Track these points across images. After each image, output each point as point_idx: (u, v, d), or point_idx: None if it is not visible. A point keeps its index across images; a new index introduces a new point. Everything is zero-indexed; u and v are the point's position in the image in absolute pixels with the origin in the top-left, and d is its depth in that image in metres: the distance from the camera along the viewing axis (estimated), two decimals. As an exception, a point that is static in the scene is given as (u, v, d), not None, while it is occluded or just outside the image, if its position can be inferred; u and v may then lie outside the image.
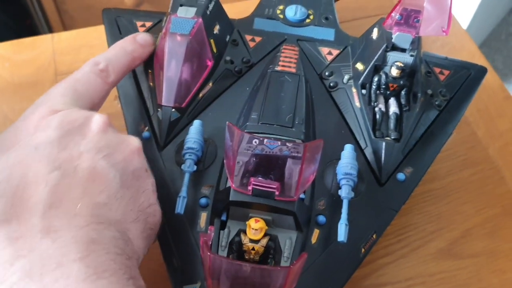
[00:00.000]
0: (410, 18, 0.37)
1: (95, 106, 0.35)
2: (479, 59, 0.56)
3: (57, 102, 0.32)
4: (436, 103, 0.41)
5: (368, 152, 0.37)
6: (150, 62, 0.39)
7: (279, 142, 0.32)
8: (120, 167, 0.29)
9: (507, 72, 1.52)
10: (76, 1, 1.13)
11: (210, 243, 0.27)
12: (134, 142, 0.31)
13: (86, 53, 0.53)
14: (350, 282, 0.40)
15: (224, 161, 0.31)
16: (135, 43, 0.38)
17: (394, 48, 0.39)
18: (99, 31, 0.54)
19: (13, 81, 0.51)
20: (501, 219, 0.46)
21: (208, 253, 0.25)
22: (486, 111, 0.53)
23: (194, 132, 0.35)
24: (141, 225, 0.29)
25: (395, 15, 0.37)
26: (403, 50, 0.39)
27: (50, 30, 1.19)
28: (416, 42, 0.38)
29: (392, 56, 0.38)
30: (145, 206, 0.30)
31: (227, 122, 0.30)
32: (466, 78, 0.43)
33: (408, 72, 0.39)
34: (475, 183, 0.48)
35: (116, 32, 0.42)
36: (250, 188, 0.30)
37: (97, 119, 0.31)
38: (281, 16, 0.45)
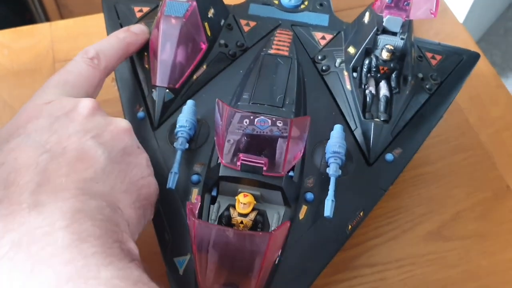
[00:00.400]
0: (400, 2, 0.37)
1: (89, 95, 0.35)
2: (472, 47, 0.56)
3: (49, 93, 0.33)
4: (427, 86, 0.40)
5: (358, 133, 0.37)
6: (146, 45, 0.39)
7: (270, 122, 0.32)
8: (109, 145, 0.30)
9: (505, 66, 1.51)
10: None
11: (197, 212, 0.27)
12: (123, 123, 0.32)
13: (83, 41, 0.53)
14: (342, 263, 0.40)
15: (214, 138, 0.31)
16: (128, 31, 0.39)
17: (385, 31, 0.38)
18: (96, 19, 0.54)
19: (12, 68, 0.51)
20: (491, 203, 0.45)
21: (193, 219, 0.25)
22: (478, 99, 0.52)
23: (186, 112, 0.35)
24: (132, 196, 0.29)
25: (385, -1, 0.37)
26: (394, 34, 0.38)
27: (42, 7, 1.18)
28: (407, 26, 0.38)
29: (382, 39, 0.38)
30: (137, 178, 0.30)
31: (217, 99, 0.30)
32: (458, 63, 0.43)
33: (399, 55, 0.38)
34: (466, 167, 0.47)
35: (115, 17, 0.42)
36: (239, 163, 0.30)
37: (86, 104, 0.31)
38: (276, 2, 0.45)
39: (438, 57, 0.42)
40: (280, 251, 0.30)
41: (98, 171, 0.28)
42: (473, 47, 0.57)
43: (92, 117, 0.31)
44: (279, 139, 0.31)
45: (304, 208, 0.33)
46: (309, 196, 0.34)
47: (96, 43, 0.37)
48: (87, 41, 0.52)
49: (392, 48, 0.37)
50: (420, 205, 0.45)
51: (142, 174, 0.31)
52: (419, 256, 0.42)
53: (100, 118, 0.31)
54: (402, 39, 0.38)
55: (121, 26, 0.42)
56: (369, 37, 0.38)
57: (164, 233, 0.33)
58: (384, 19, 0.38)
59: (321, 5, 0.45)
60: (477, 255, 0.42)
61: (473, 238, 0.43)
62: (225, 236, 0.25)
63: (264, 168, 0.30)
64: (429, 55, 0.42)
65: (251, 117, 0.32)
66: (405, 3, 0.37)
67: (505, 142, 0.49)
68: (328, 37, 0.42)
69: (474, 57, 0.44)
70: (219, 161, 0.32)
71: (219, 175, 0.31)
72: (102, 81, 0.36)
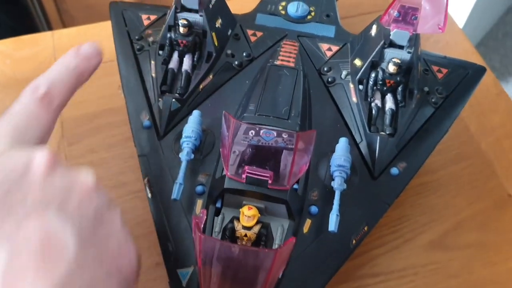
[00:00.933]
0: (407, 15, 0.36)
1: (42, 140, 0.29)
2: (473, 56, 0.55)
3: None
4: (433, 100, 0.39)
5: (363, 146, 0.36)
6: (153, 52, 0.38)
7: (275, 133, 0.31)
8: (77, 216, 0.24)
9: (504, 71, 1.49)
10: (76, 0, 1.12)
11: (202, 225, 0.26)
12: (87, 178, 0.26)
13: None
14: (345, 272, 0.39)
15: (220, 149, 0.30)
16: (78, 56, 0.32)
17: (392, 44, 0.37)
18: (98, 28, 0.53)
19: (15, 76, 0.50)
20: (492, 212, 0.44)
21: (199, 234, 0.24)
22: (479, 107, 0.51)
23: (192, 122, 0.34)
24: (115, 279, 0.24)
25: (393, 12, 0.35)
26: (400, 47, 0.37)
27: (50, 29, 1.18)
28: (414, 39, 0.37)
29: (389, 52, 0.37)
30: (115, 250, 0.25)
31: (223, 111, 0.29)
32: (464, 77, 0.42)
33: (405, 69, 0.37)
34: (467, 176, 0.46)
35: (122, 25, 0.41)
36: (244, 176, 0.29)
37: (41, 159, 0.25)
38: (283, 12, 0.44)
39: (444, 71, 0.41)
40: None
41: (71, 264, 0.22)
42: (473, 55, 0.55)
43: (52, 177, 0.24)
44: (284, 151, 0.30)
45: (308, 222, 0.32)
46: (314, 209, 0.33)
47: (46, 75, 0.31)
48: (91, 49, 0.51)
49: (399, 61, 0.36)
50: (422, 214, 0.43)
51: (119, 242, 0.25)
52: (421, 266, 0.41)
53: (60, 177, 0.25)
54: (409, 52, 0.36)
55: (129, 34, 0.41)
56: (376, 50, 0.37)
57: (168, 244, 0.32)
58: (391, 33, 0.36)
59: (327, 16, 0.44)
60: (479, 265, 0.41)
61: (474, 248, 0.42)
62: (230, 252, 0.24)
63: (269, 181, 0.29)
64: (435, 68, 0.41)
65: (257, 129, 0.31)
66: (413, 17, 0.36)
67: (506, 150, 0.48)
68: (334, 48, 0.41)
69: (480, 71, 0.43)
70: (224, 172, 0.31)
71: (224, 187, 0.30)
72: (55, 122, 0.30)
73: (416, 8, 0.35)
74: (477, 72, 0.42)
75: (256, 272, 0.25)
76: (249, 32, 0.42)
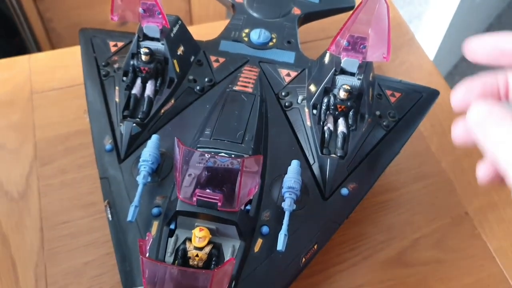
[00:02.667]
0: (357, 45, 0.38)
1: None
2: (435, 77, 0.57)
3: None
4: (384, 123, 0.41)
5: (315, 167, 0.37)
6: (118, 78, 0.40)
7: (229, 158, 0.32)
8: None
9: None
10: (63, 19, 1.13)
11: (147, 248, 0.27)
12: None
13: (60, 72, 0.53)
14: (306, 288, 0.40)
15: (174, 171, 0.31)
16: None
17: (343, 71, 0.39)
18: (73, 52, 0.55)
19: (-9, 98, 0.51)
20: (449, 229, 0.46)
21: (141, 257, 0.25)
22: (440, 127, 0.53)
23: (150, 146, 0.35)
24: None
25: (342, 41, 0.37)
26: (352, 74, 0.39)
27: (38, 47, 1.19)
28: (364, 67, 0.38)
29: (340, 79, 0.38)
30: None
31: (175, 138, 0.31)
32: (417, 100, 0.43)
33: (356, 95, 0.39)
34: (427, 195, 0.48)
35: (90, 51, 0.43)
36: (195, 199, 0.31)
37: None
38: (246, 39, 0.45)
39: (398, 95, 0.43)
40: (231, 282, 0.31)
41: None
42: (437, 77, 0.57)
43: None
44: (233, 173, 0.32)
45: (259, 241, 0.34)
46: (265, 229, 0.34)
47: None
48: (64, 73, 0.53)
49: (349, 88, 0.37)
50: (381, 232, 0.45)
51: None
52: (379, 283, 0.42)
53: None
54: (359, 79, 0.38)
55: (96, 60, 0.42)
56: (328, 77, 0.38)
57: (125, 263, 0.33)
58: (342, 61, 0.38)
59: (288, 42, 0.46)
60: (435, 281, 0.43)
61: (431, 264, 0.44)
62: (170, 273, 0.26)
63: (219, 204, 0.31)
64: (389, 92, 0.43)
65: (211, 154, 0.32)
66: (362, 46, 0.37)
67: (465, 169, 0.50)
68: (293, 74, 0.43)
69: (433, 94, 0.44)
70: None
71: (176, 209, 0.31)
72: None
73: (365, 38, 0.37)
74: (431, 95, 0.44)
75: (197, 292, 0.26)
76: (212, 58, 0.44)
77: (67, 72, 0.53)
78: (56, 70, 0.53)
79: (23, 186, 0.45)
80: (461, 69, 1.54)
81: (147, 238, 0.28)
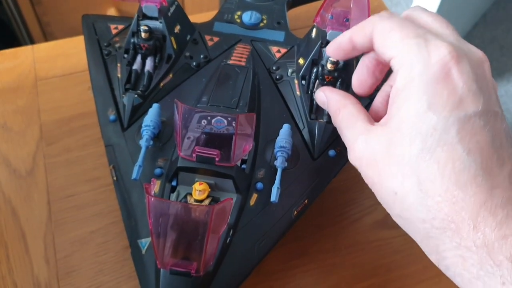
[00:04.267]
0: (340, 18, 0.40)
1: None
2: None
3: None
4: (369, 92, 0.43)
5: (305, 132, 0.40)
6: (120, 57, 0.43)
7: (225, 122, 0.35)
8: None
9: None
10: (61, 23, 1.16)
11: (152, 191, 0.30)
12: None
13: (63, 61, 0.56)
14: (299, 249, 0.43)
15: (174, 133, 0.34)
16: None
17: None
18: (75, 42, 0.57)
19: (-3, 87, 0.54)
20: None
21: (148, 196, 0.28)
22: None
23: (151, 113, 0.38)
24: None
25: (327, 15, 0.40)
26: (337, 46, 0.42)
27: (32, 42, 1.21)
28: (348, 39, 0.41)
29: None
30: None
31: (175, 99, 0.33)
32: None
33: (342, 66, 0.41)
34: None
35: (93, 34, 0.46)
36: (194, 155, 0.33)
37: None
38: (238, 20, 0.48)
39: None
40: (230, 230, 0.33)
41: None
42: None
43: None
44: (229, 132, 0.34)
45: (254, 196, 0.36)
46: (259, 185, 0.37)
47: None
48: (66, 61, 0.56)
49: (335, 60, 0.40)
50: (368, 198, 0.47)
51: None
52: (367, 243, 0.45)
53: None
54: (343, 50, 0.41)
55: (98, 42, 0.45)
56: (315, 49, 0.41)
57: (130, 219, 0.36)
58: (328, 34, 0.41)
59: (278, 23, 0.49)
60: (419, 242, 0.45)
61: (417, 227, 0.46)
62: (175, 209, 0.28)
63: (216, 159, 0.33)
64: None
65: (209, 117, 0.35)
66: (345, 19, 0.40)
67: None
68: (283, 50, 0.46)
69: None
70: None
71: (177, 165, 0.34)
72: None
73: (347, 11, 0.40)
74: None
75: (198, 229, 0.28)
76: (207, 37, 0.46)
77: (69, 60, 0.56)
78: (58, 59, 0.56)
79: (31, 164, 0.48)
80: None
81: (151, 183, 0.30)
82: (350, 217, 0.46)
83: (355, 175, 0.49)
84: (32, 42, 1.18)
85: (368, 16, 0.39)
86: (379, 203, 0.49)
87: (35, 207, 0.45)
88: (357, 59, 0.44)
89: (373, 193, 0.49)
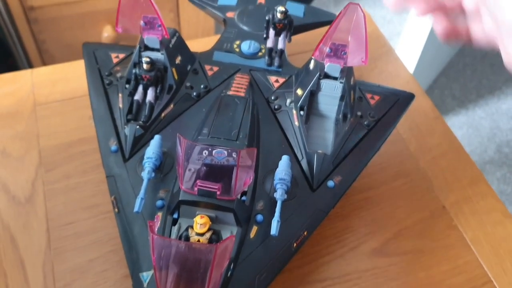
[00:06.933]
0: (338, 51, 0.41)
1: None
2: (412, 85, 0.61)
3: None
4: (365, 123, 0.44)
5: (304, 162, 0.41)
6: (121, 86, 0.43)
7: (226, 153, 0.35)
8: None
9: (464, 99, 1.57)
10: (56, 41, 1.16)
11: (156, 228, 0.30)
12: None
13: (62, 85, 0.56)
14: (296, 278, 0.43)
15: (176, 166, 0.34)
16: None
17: (327, 76, 0.42)
18: (74, 66, 0.58)
19: (-4, 111, 0.54)
20: (428, 221, 0.49)
21: (152, 234, 0.28)
22: (418, 129, 0.57)
23: (153, 145, 0.38)
24: None
25: (325, 48, 0.41)
26: (334, 78, 0.43)
27: (31, 67, 1.21)
28: (345, 71, 0.42)
29: (324, 83, 0.42)
30: None
31: (177, 134, 0.34)
32: (395, 102, 0.47)
33: (339, 97, 0.42)
34: (407, 191, 0.51)
35: (94, 62, 0.46)
36: (196, 188, 0.34)
37: None
38: (237, 49, 0.49)
39: (377, 97, 0.47)
40: (230, 264, 0.34)
41: None
42: (414, 84, 0.62)
43: None
44: (230, 165, 0.35)
45: (254, 228, 0.37)
46: (259, 217, 0.37)
47: None
48: (65, 86, 0.56)
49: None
50: (366, 225, 0.48)
51: None
52: (364, 271, 0.45)
53: None
54: (341, 83, 0.42)
55: (99, 71, 0.46)
56: (313, 81, 0.42)
57: (132, 252, 0.36)
58: (326, 66, 0.42)
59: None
60: (416, 269, 0.46)
61: (412, 254, 0.47)
62: (178, 248, 0.29)
63: (218, 193, 0.34)
64: (369, 95, 0.47)
65: (209, 149, 0.36)
66: (343, 52, 0.41)
67: (442, 168, 0.54)
68: (281, 80, 0.47)
69: (409, 97, 0.48)
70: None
71: (179, 199, 0.34)
72: None
73: (345, 45, 0.41)
74: (407, 98, 0.48)
75: (201, 266, 0.29)
76: (207, 67, 0.47)
77: (68, 85, 0.56)
78: (57, 83, 0.56)
79: (30, 191, 0.48)
80: (440, 83, 1.61)
81: (155, 219, 0.31)
82: (347, 245, 0.47)
83: (352, 202, 0.51)
84: (27, 58, 1.19)
85: (366, 49, 0.40)
86: (376, 231, 0.50)
87: (34, 235, 0.45)
88: (353, 90, 0.45)
89: (370, 221, 0.50)
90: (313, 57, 0.42)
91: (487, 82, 1.58)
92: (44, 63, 1.20)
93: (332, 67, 0.42)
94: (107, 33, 1.14)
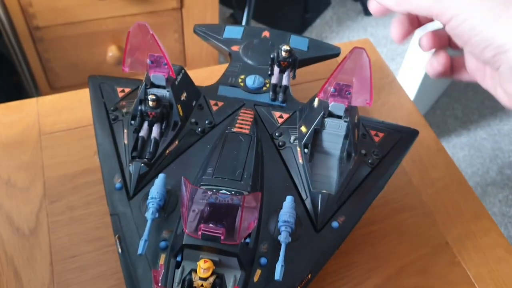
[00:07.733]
0: (342, 91, 0.42)
1: None
2: (415, 117, 0.61)
3: None
4: (369, 161, 0.44)
5: (308, 202, 0.41)
6: (126, 122, 0.43)
7: (230, 195, 0.35)
8: None
9: (466, 120, 1.58)
10: (61, 59, 1.17)
11: (160, 278, 0.30)
12: None
13: (67, 114, 0.56)
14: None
15: (179, 206, 0.34)
16: None
17: (331, 114, 0.43)
18: (79, 95, 0.58)
19: (1, 140, 0.54)
20: (431, 257, 0.49)
21: (155, 286, 0.28)
22: (421, 162, 0.57)
23: (157, 184, 0.38)
24: None
25: (330, 88, 0.41)
26: (339, 117, 0.43)
27: (35, 86, 1.22)
28: (349, 110, 0.42)
29: (328, 121, 0.42)
30: None
31: (182, 177, 0.34)
32: (399, 139, 0.47)
33: (343, 136, 0.42)
34: (410, 226, 0.51)
35: (99, 96, 0.46)
36: (200, 233, 0.34)
37: None
38: (242, 84, 0.50)
39: (381, 134, 0.47)
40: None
41: None
42: (416, 115, 0.62)
43: None
44: (234, 208, 0.35)
45: (258, 272, 0.36)
46: (263, 260, 0.37)
47: None
48: (71, 115, 0.56)
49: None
50: (369, 261, 0.48)
51: None
52: (368, 307, 0.45)
53: None
54: (345, 121, 0.42)
55: (105, 105, 0.46)
56: (317, 119, 0.42)
57: (136, 293, 0.36)
58: (330, 105, 0.42)
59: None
60: (419, 306, 0.46)
61: (414, 290, 0.47)
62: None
63: (222, 237, 0.34)
64: (373, 132, 0.47)
65: (213, 191, 0.36)
66: (347, 92, 0.41)
67: (444, 201, 0.54)
68: (285, 116, 0.47)
69: (413, 133, 0.48)
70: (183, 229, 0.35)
71: (183, 243, 0.34)
72: None
73: (349, 85, 0.41)
74: (411, 134, 0.48)
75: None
76: (212, 102, 0.47)
77: (73, 114, 0.57)
78: (62, 112, 0.57)
79: (34, 223, 0.48)
80: (442, 104, 1.61)
81: (159, 269, 0.31)
82: (351, 281, 0.47)
83: (355, 237, 0.50)
84: (32, 76, 1.20)
85: (371, 91, 0.40)
86: (379, 266, 0.50)
87: (37, 268, 0.45)
88: (357, 127, 0.45)
89: (373, 257, 0.50)
90: (317, 97, 0.42)
91: (489, 103, 1.58)
92: (48, 81, 1.21)
93: (336, 106, 0.42)
94: (111, 53, 1.15)
